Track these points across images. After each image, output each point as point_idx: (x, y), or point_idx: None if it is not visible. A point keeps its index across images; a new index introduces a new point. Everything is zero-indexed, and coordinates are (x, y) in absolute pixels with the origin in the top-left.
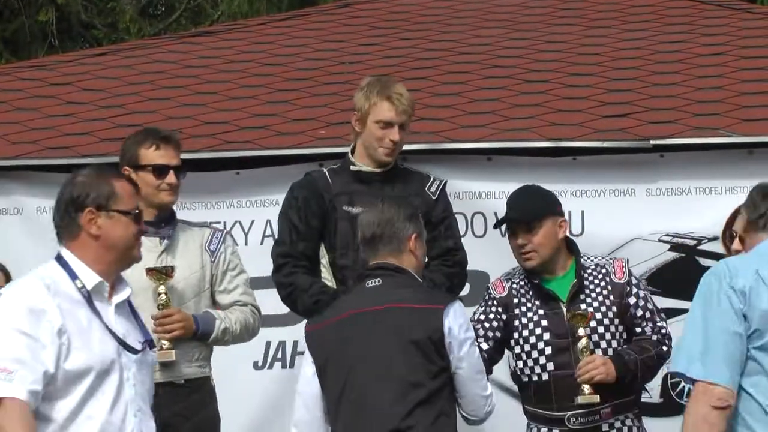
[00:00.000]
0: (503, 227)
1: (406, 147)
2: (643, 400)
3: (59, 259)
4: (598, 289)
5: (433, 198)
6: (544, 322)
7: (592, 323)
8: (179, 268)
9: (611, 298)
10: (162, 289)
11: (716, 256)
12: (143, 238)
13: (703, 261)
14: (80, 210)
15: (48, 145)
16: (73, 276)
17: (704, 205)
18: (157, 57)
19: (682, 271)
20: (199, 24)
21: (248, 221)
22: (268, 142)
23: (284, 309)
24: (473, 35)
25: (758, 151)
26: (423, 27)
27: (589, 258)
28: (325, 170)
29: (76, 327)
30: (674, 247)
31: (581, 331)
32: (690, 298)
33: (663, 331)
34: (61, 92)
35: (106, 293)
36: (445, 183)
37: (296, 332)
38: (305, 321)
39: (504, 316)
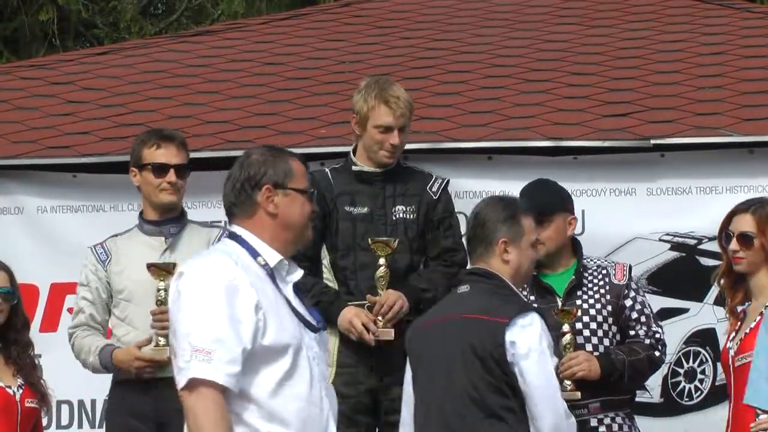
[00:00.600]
0: None
1: (407, 146)
2: (643, 400)
3: (234, 236)
4: (595, 288)
5: (435, 198)
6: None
7: (585, 318)
8: (181, 264)
9: (608, 297)
10: (162, 285)
11: (717, 256)
12: (147, 237)
13: (704, 260)
14: (258, 187)
15: (48, 144)
16: (255, 253)
17: (705, 205)
18: (158, 56)
19: (682, 271)
20: (200, 23)
21: None
22: (268, 141)
23: None
24: (474, 34)
25: (759, 151)
26: (423, 26)
27: (592, 260)
28: (327, 170)
29: (268, 303)
30: (675, 246)
31: (566, 327)
32: (690, 297)
33: (657, 336)
34: (61, 91)
35: (285, 272)
36: (448, 182)
37: None
38: None
39: None
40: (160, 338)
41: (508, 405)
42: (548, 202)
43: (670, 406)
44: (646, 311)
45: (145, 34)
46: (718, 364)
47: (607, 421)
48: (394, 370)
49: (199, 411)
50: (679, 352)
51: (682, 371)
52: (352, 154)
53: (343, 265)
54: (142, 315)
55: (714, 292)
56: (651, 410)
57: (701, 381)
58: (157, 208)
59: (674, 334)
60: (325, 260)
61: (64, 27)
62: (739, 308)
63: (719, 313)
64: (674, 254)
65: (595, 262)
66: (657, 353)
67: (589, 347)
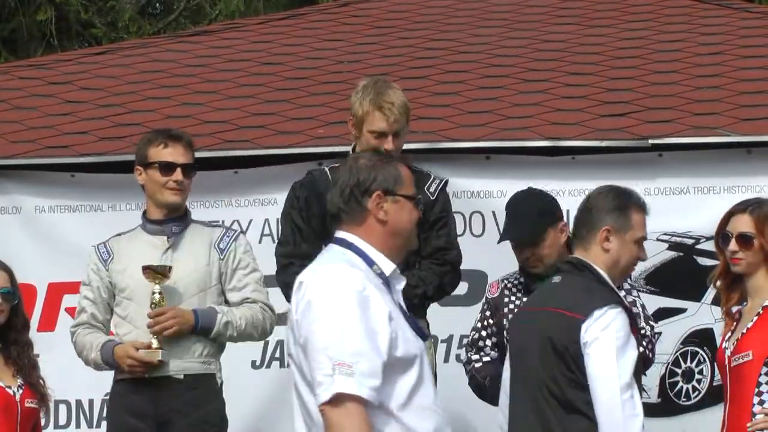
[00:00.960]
0: None
1: (405, 146)
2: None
3: (347, 244)
4: None
5: (432, 198)
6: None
7: None
8: (183, 264)
9: None
10: (157, 288)
11: (715, 256)
12: (149, 236)
13: (702, 260)
14: (368, 194)
15: (47, 144)
16: (370, 262)
17: (702, 204)
18: (156, 56)
19: (680, 271)
20: (198, 23)
21: (246, 220)
22: (266, 141)
23: (282, 308)
24: (472, 34)
25: (757, 151)
26: (422, 26)
27: None
28: (326, 169)
29: (393, 313)
30: (672, 246)
31: None
32: (688, 297)
33: (643, 332)
34: (59, 91)
35: (396, 279)
36: (446, 182)
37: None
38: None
39: (492, 320)
40: (153, 340)
41: (589, 400)
42: (536, 226)
43: (668, 406)
44: (636, 310)
45: (143, 33)
46: (716, 364)
47: None
48: None
49: (347, 427)
50: (676, 352)
51: (679, 371)
52: (351, 152)
53: None
54: (143, 314)
55: (712, 292)
56: (648, 410)
57: (699, 381)
58: (161, 207)
59: (672, 334)
60: None
61: (62, 27)
62: (734, 308)
63: (717, 313)
64: (672, 254)
65: None
66: (640, 348)
67: None
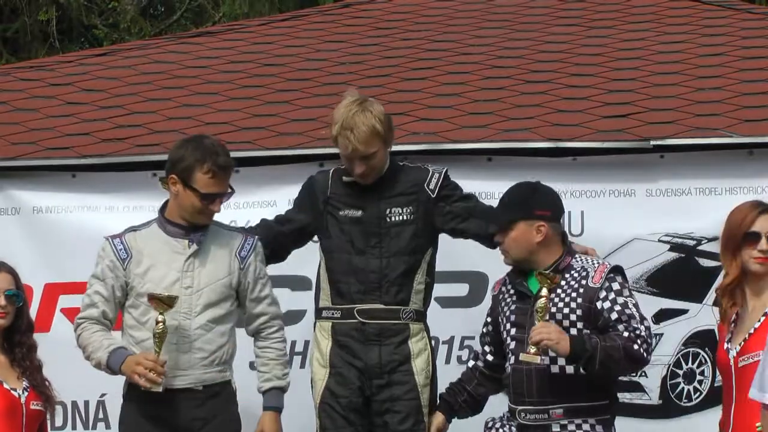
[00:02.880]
0: None
1: (407, 147)
2: (642, 401)
3: None
4: (569, 290)
5: (433, 196)
6: (513, 318)
7: (554, 320)
8: (207, 272)
9: (579, 300)
10: (161, 318)
11: (716, 257)
12: (170, 238)
13: (703, 261)
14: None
15: (48, 145)
16: None
17: (704, 206)
18: (158, 57)
19: (681, 272)
20: (200, 24)
21: (245, 221)
22: (268, 142)
23: (283, 309)
24: (473, 36)
25: (758, 152)
26: (423, 27)
27: (581, 259)
28: (330, 171)
29: None
30: (674, 247)
31: (543, 291)
32: (689, 298)
33: (638, 332)
34: (61, 92)
35: None
36: (446, 170)
37: (294, 332)
38: (302, 322)
39: (490, 318)
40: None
41: None
42: (509, 212)
43: (669, 407)
44: (629, 311)
45: (144, 35)
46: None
47: (571, 427)
48: (383, 374)
49: None
50: (678, 353)
51: (681, 372)
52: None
53: (334, 268)
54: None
55: (713, 293)
56: (650, 412)
57: (700, 382)
58: (189, 221)
59: (673, 335)
60: (322, 261)
61: (63, 28)
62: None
63: (718, 315)
64: (673, 255)
65: (582, 263)
66: (636, 346)
67: (552, 352)
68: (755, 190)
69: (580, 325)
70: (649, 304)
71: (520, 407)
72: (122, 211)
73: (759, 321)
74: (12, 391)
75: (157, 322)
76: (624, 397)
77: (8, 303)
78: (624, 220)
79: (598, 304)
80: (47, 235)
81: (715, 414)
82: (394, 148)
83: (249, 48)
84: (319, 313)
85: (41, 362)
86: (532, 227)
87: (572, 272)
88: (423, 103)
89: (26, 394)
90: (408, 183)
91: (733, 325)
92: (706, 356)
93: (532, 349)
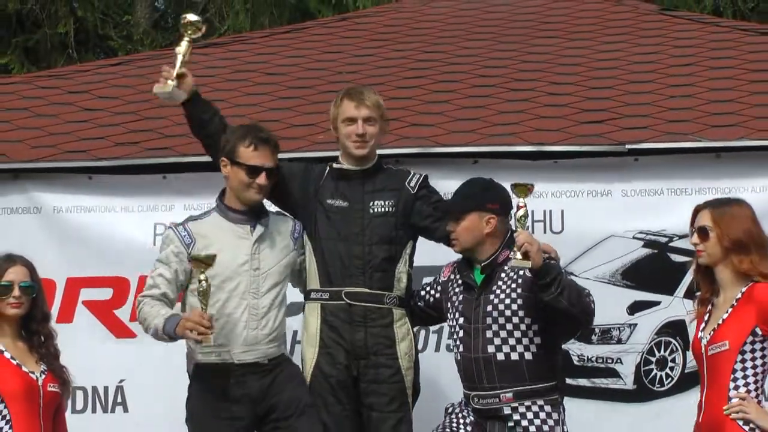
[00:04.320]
0: None
1: (399, 150)
2: (617, 386)
3: None
4: (509, 281)
5: (413, 192)
6: (461, 308)
7: (494, 313)
8: (271, 255)
9: (519, 291)
10: (203, 276)
11: (686, 253)
12: (232, 225)
13: (674, 257)
14: None
15: (66, 148)
16: None
17: (675, 205)
18: (168, 66)
19: (654, 266)
20: (207, 36)
21: None
22: None
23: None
24: (462, 47)
25: (725, 155)
26: (415, 39)
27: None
28: (328, 166)
29: None
30: (647, 243)
31: (521, 202)
32: (661, 291)
33: (587, 291)
34: (78, 99)
35: None
36: (426, 176)
37: (296, 322)
38: (301, 315)
39: (438, 296)
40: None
41: None
42: (462, 203)
43: (643, 392)
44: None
45: (156, 46)
46: (688, 353)
47: (521, 409)
48: (369, 355)
49: None
50: (651, 341)
51: (654, 359)
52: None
53: (321, 254)
54: (231, 298)
55: (684, 285)
56: (625, 396)
57: (672, 369)
58: (240, 202)
59: (647, 325)
60: (307, 246)
61: (81, 39)
62: (707, 300)
63: (689, 306)
64: (647, 251)
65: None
66: (588, 300)
67: (497, 341)
68: (722, 190)
69: (521, 313)
70: (625, 297)
71: (473, 393)
72: (136, 210)
73: (727, 312)
74: (30, 374)
75: (200, 281)
76: (601, 382)
77: (23, 294)
78: (601, 218)
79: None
80: (67, 233)
81: (685, 398)
82: (387, 151)
83: (253, 58)
84: (307, 294)
85: (59, 349)
86: (482, 219)
87: (509, 261)
88: (414, 109)
89: (43, 377)
90: (391, 180)
91: (708, 315)
92: (677, 344)
93: (519, 255)
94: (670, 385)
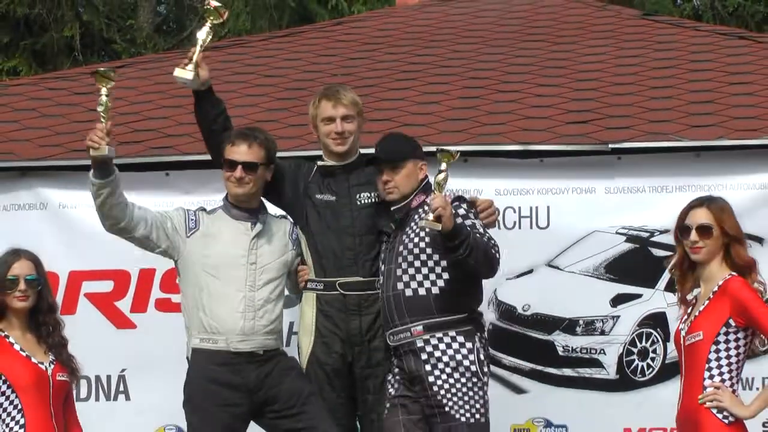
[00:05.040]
0: None
1: None
2: (600, 376)
3: None
4: (420, 222)
5: None
6: (383, 256)
7: (404, 251)
8: (269, 251)
9: (427, 229)
10: (104, 91)
11: (667, 247)
12: (234, 221)
13: (656, 251)
14: None
15: (72, 147)
16: None
17: (656, 202)
18: (169, 69)
19: (636, 260)
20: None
21: None
22: None
23: None
24: (452, 50)
25: (705, 154)
26: (407, 43)
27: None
28: (314, 164)
29: None
30: (630, 238)
31: (443, 166)
32: (643, 284)
33: (493, 242)
34: (84, 100)
35: None
36: None
37: (293, 313)
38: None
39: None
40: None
41: None
42: (399, 151)
43: (626, 382)
44: (478, 230)
45: (158, 49)
46: (668, 344)
47: (433, 341)
48: (364, 341)
49: None
50: (633, 333)
51: (635, 350)
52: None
53: (315, 247)
54: (228, 288)
55: (665, 279)
56: (608, 385)
57: (653, 359)
58: (231, 197)
59: (629, 317)
60: (303, 240)
61: (86, 43)
62: (690, 296)
63: (669, 298)
64: (629, 245)
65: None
66: (493, 251)
67: (405, 278)
68: (702, 188)
69: (429, 251)
70: (608, 290)
71: (389, 332)
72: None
73: (704, 304)
74: (39, 365)
75: (100, 95)
76: (585, 372)
77: (28, 287)
78: (585, 214)
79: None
80: (71, 228)
81: (666, 387)
82: None
83: (252, 61)
84: (304, 285)
85: (66, 339)
86: (416, 166)
87: (425, 206)
88: (406, 110)
89: (52, 367)
90: (374, 173)
91: (691, 307)
92: (658, 336)
93: (431, 216)
94: (652, 375)
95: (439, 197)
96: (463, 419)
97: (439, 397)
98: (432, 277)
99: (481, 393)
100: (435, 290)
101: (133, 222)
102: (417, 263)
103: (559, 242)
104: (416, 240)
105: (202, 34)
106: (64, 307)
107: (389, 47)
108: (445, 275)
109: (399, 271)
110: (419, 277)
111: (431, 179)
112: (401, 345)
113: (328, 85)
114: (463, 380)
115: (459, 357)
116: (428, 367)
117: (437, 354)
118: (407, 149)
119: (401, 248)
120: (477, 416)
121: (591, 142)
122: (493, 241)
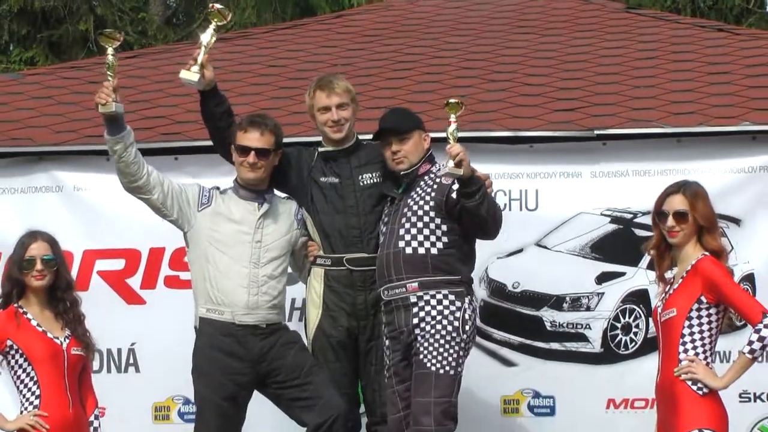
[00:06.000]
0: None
1: None
2: (586, 350)
3: None
4: (426, 188)
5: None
6: (385, 219)
7: (409, 213)
8: (274, 229)
9: (432, 194)
10: (110, 51)
11: (649, 228)
12: (243, 201)
13: (638, 232)
14: None
15: (86, 133)
16: None
17: (639, 185)
18: (179, 60)
19: (620, 241)
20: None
21: None
22: None
23: None
24: (446, 42)
25: (685, 140)
26: (404, 35)
27: (439, 166)
28: (318, 149)
29: None
30: (614, 220)
31: (452, 118)
32: (626, 263)
33: (497, 205)
34: (97, 89)
35: None
36: None
37: (296, 290)
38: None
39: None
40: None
41: None
42: (406, 122)
43: (610, 355)
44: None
45: (168, 41)
46: (650, 320)
47: (426, 297)
48: (369, 315)
49: None
50: (616, 309)
51: (619, 325)
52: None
53: (321, 227)
54: (234, 264)
55: (647, 258)
56: (593, 359)
57: (635, 334)
58: (242, 180)
59: (613, 294)
60: (308, 220)
61: None
62: (668, 275)
63: (651, 276)
64: (613, 226)
65: (437, 168)
66: (500, 212)
67: (407, 237)
68: (682, 172)
69: (432, 214)
70: (593, 268)
71: (383, 287)
72: None
73: (678, 283)
74: (54, 340)
75: (107, 54)
76: (571, 346)
77: (45, 267)
78: (572, 197)
79: (453, 195)
80: (85, 210)
81: (647, 360)
82: None
83: (256, 52)
84: (313, 260)
85: (83, 315)
86: (421, 136)
87: (431, 174)
88: (402, 98)
89: (67, 341)
90: (373, 155)
91: (669, 285)
92: (640, 311)
93: (451, 163)
94: (634, 348)
95: (456, 145)
96: (433, 368)
97: (417, 344)
98: (432, 239)
99: (456, 348)
100: (434, 251)
101: (150, 184)
102: (420, 224)
103: (547, 223)
104: (421, 203)
105: (206, 37)
106: (78, 284)
107: (386, 39)
108: (444, 239)
109: (402, 231)
110: (420, 237)
111: (445, 133)
112: (394, 300)
113: (321, 76)
114: (443, 332)
115: (446, 312)
116: (416, 320)
117: (427, 308)
118: (413, 120)
119: (406, 210)
120: (447, 368)
121: (577, 128)
122: (500, 206)
